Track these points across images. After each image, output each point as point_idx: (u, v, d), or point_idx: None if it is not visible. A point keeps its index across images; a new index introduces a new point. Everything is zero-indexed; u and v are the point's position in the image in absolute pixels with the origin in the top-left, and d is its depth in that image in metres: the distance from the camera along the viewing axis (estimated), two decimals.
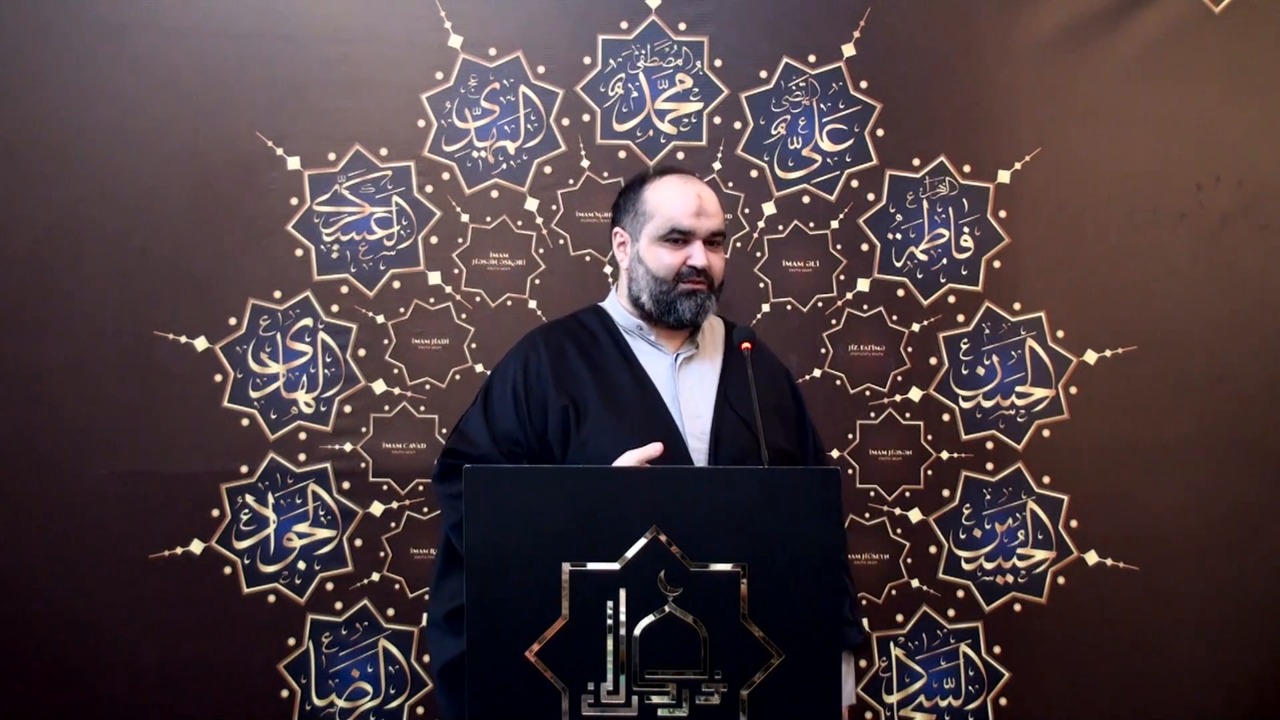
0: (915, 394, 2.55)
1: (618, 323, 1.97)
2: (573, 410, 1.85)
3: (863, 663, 2.51)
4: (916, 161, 2.55)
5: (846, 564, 2.07)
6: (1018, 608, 2.53)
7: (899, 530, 2.53)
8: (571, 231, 2.52)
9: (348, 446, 2.48)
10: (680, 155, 2.52)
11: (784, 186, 2.54)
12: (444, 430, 2.47)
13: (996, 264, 2.55)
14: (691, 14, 2.52)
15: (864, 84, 2.54)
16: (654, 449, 1.71)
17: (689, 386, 1.91)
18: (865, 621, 2.28)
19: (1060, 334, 2.55)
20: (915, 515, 2.54)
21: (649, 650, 1.44)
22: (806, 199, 2.54)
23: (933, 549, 2.54)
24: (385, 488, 2.48)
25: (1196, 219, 2.55)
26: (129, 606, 2.40)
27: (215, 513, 2.44)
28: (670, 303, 1.88)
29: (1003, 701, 2.52)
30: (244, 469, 2.45)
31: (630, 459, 1.71)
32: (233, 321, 2.46)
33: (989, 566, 2.53)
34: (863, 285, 2.55)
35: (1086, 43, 2.54)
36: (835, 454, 2.52)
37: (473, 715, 1.46)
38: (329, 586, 2.46)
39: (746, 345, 1.86)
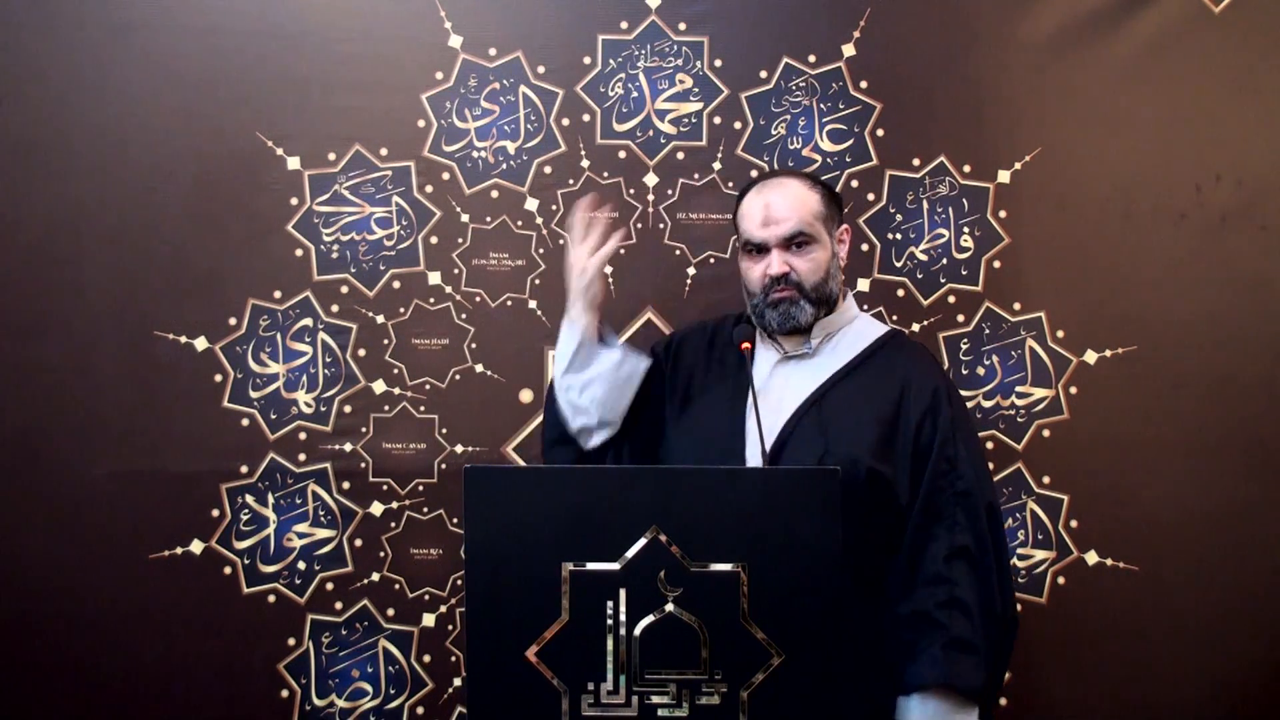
0: None
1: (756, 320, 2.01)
2: (670, 391, 1.99)
3: None
4: (916, 161, 2.55)
5: (965, 603, 1.75)
6: (1018, 608, 2.53)
7: None
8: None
9: (348, 446, 2.48)
10: (680, 155, 2.52)
11: None
12: (444, 430, 2.47)
13: (996, 264, 2.55)
14: (691, 14, 2.52)
15: (864, 84, 2.53)
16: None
17: (779, 386, 1.89)
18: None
19: (1060, 334, 2.55)
20: None
21: (649, 650, 1.44)
22: None
23: None
24: (385, 488, 2.48)
25: (1196, 219, 2.55)
26: (129, 606, 2.40)
27: (215, 513, 2.44)
28: (761, 314, 1.92)
29: (1003, 701, 2.52)
30: (244, 469, 2.45)
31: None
32: (233, 321, 2.46)
33: None
34: (863, 285, 2.55)
35: (1086, 43, 2.54)
36: None
37: (473, 715, 1.46)
38: (329, 586, 2.47)
39: (745, 345, 1.86)
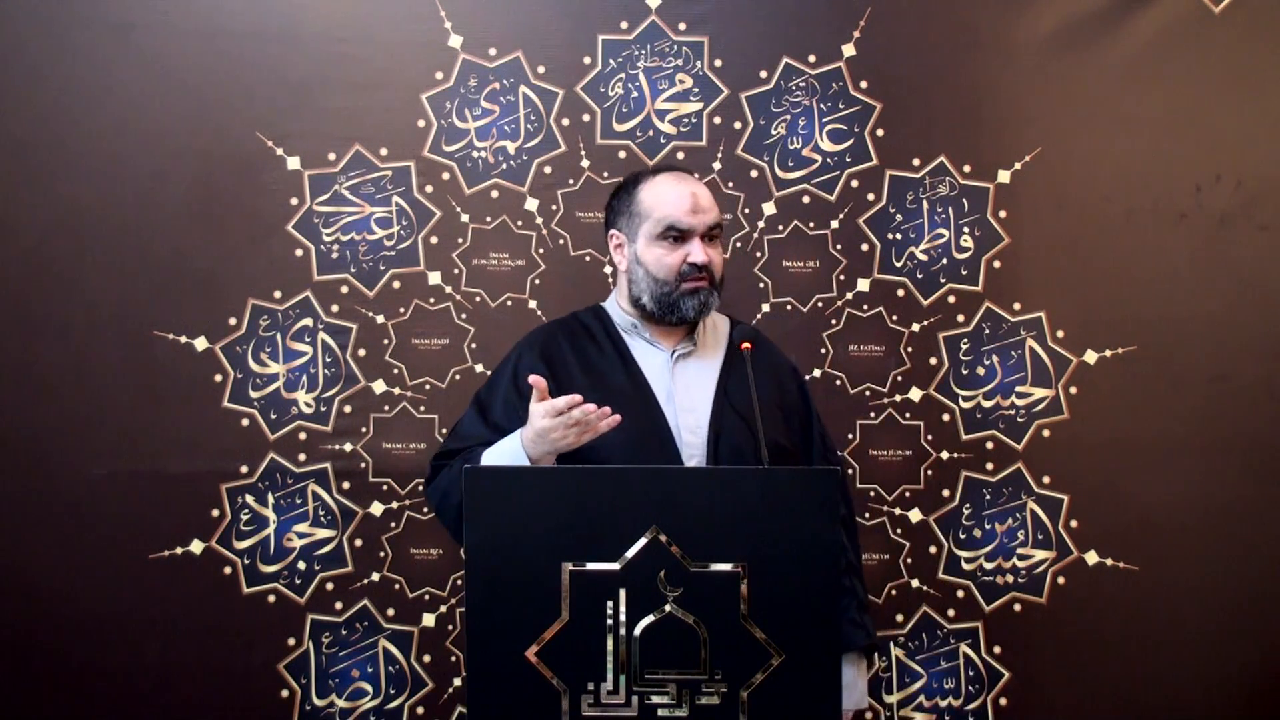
0: (915, 394, 2.55)
1: (615, 321, 1.97)
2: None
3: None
4: (916, 161, 2.55)
5: (856, 565, 2.00)
6: (1018, 608, 2.53)
7: (899, 530, 2.53)
8: (571, 231, 2.52)
9: (348, 446, 2.48)
10: (680, 155, 2.52)
11: (784, 186, 2.54)
12: (444, 430, 2.47)
13: (996, 264, 2.55)
14: (691, 14, 2.52)
15: (864, 84, 2.54)
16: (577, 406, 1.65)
17: (685, 383, 1.90)
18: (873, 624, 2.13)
19: (1060, 334, 2.55)
20: (915, 515, 2.54)
21: (649, 650, 1.44)
22: (806, 199, 2.54)
23: (933, 549, 2.54)
24: (385, 488, 2.48)
25: (1196, 219, 2.55)
26: (129, 606, 2.40)
27: (215, 513, 2.44)
28: (673, 303, 1.87)
29: (1003, 701, 2.52)
30: (244, 469, 2.45)
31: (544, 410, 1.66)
32: (233, 321, 2.46)
33: (989, 566, 2.54)
34: (863, 285, 2.55)
35: (1086, 43, 2.54)
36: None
37: (473, 715, 1.46)
38: (329, 586, 2.46)
39: (746, 345, 1.86)
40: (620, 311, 1.98)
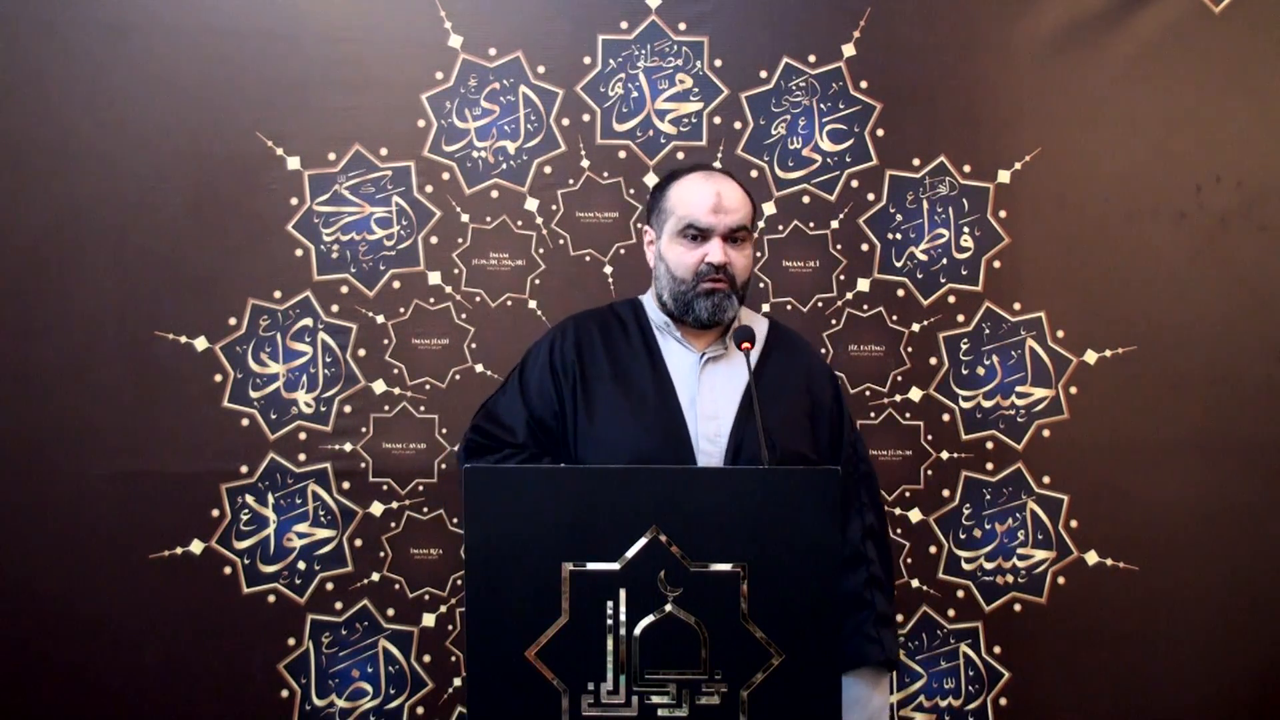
0: (915, 394, 2.55)
1: (650, 318, 1.96)
2: (583, 397, 1.86)
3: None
4: (916, 161, 2.55)
5: (881, 579, 1.90)
6: (1018, 608, 2.53)
7: (899, 530, 2.53)
8: (571, 231, 2.52)
9: (348, 446, 2.48)
10: (680, 155, 2.52)
11: (784, 186, 2.54)
12: (444, 430, 2.47)
13: (996, 264, 2.55)
14: (691, 14, 2.52)
15: (864, 84, 2.54)
16: None
17: (711, 386, 1.88)
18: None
19: (1060, 334, 2.55)
20: (915, 515, 2.54)
21: (649, 650, 1.44)
22: (806, 199, 2.55)
23: (933, 549, 2.54)
24: (385, 488, 2.48)
25: (1196, 219, 2.55)
26: (129, 606, 2.40)
27: (215, 513, 2.44)
28: (688, 302, 1.86)
29: (1003, 701, 2.52)
30: (244, 469, 2.45)
31: None
32: (233, 321, 2.46)
33: (989, 566, 2.54)
34: (863, 285, 2.55)
35: (1086, 43, 2.54)
36: None
37: (473, 715, 1.46)
38: (329, 586, 2.47)
39: (746, 345, 1.85)
40: (654, 308, 1.96)
